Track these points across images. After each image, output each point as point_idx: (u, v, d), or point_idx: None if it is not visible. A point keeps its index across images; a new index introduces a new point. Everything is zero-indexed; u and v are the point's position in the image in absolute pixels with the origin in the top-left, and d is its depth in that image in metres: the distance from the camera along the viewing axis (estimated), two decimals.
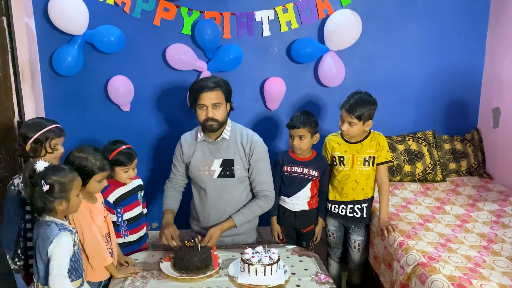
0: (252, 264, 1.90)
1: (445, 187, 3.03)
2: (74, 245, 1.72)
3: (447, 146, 3.21)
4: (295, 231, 2.57)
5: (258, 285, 1.87)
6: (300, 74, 3.13)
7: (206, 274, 1.96)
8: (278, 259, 1.94)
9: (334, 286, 1.93)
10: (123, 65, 3.01)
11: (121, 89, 2.97)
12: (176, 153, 2.41)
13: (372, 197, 2.57)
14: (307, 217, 2.53)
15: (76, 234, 1.78)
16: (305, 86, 3.16)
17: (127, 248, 2.25)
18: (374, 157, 2.46)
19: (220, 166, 2.30)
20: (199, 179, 2.35)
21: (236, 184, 2.33)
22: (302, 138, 2.41)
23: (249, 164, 2.33)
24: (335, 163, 2.54)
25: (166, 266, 2.02)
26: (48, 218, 1.72)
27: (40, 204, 1.67)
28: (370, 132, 2.50)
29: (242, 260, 1.94)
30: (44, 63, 2.96)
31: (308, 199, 2.49)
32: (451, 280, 1.83)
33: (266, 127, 3.17)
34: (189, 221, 2.50)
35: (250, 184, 2.39)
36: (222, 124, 2.26)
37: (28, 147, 2.02)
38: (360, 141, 2.49)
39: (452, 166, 3.17)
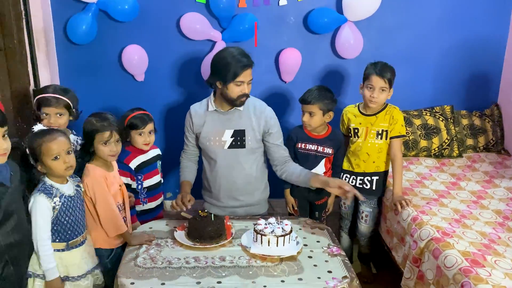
0: (265, 235, 1.91)
1: (461, 163, 2.98)
2: (53, 209, 1.74)
3: (465, 122, 3.14)
4: (308, 203, 2.58)
5: (270, 256, 1.89)
6: (317, 45, 3.06)
7: (219, 244, 1.98)
8: (291, 231, 1.95)
9: (346, 258, 1.94)
10: (137, 34, 2.97)
11: (135, 58, 2.95)
12: (186, 124, 2.40)
13: (386, 172, 2.55)
14: (321, 189, 2.51)
15: (59, 199, 1.76)
16: (321, 58, 3.09)
17: (145, 216, 2.30)
18: (387, 131, 2.44)
19: (231, 137, 2.29)
20: (209, 149, 2.34)
21: (247, 154, 2.33)
22: (312, 115, 2.37)
23: (268, 134, 2.32)
24: (350, 135, 2.54)
25: (180, 235, 2.04)
26: (43, 177, 1.77)
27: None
28: (386, 105, 2.47)
29: (255, 230, 1.95)
30: (58, 31, 2.95)
31: (322, 174, 2.48)
32: (465, 255, 1.82)
33: (279, 100, 3.14)
34: (201, 192, 2.52)
35: (266, 153, 2.39)
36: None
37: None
38: (375, 114, 2.46)
39: (469, 142, 3.11)
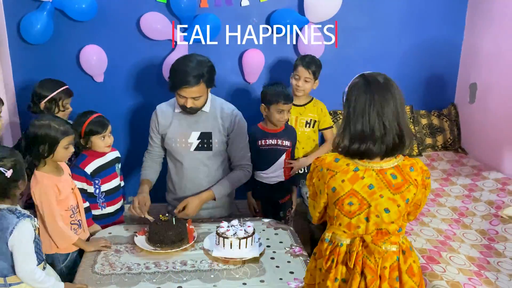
0: (227, 238, 1.89)
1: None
2: (35, 230, 1.64)
3: (424, 121, 3.23)
4: (272, 203, 2.60)
5: (232, 258, 1.87)
6: (280, 46, 3.07)
7: (181, 248, 1.95)
8: (253, 233, 1.94)
9: (308, 258, 1.94)
10: (96, 33, 2.89)
11: (94, 59, 2.87)
12: (151, 124, 2.35)
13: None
14: (284, 188, 2.58)
15: (35, 219, 1.67)
16: (284, 58, 3.10)
17: (104, 220, 2.23)
18: (315, 121, 2.69)
19: (198, 139, 2.26)
20: (175, 151, 2.31)
21: (214, 157, 2.31)
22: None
23: (228, 138, 2.30)
24: None
25: (140, 239, 1.99)
26: (1, 206, 1.61)
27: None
28: (312, 98, 2.71)
29: (217, 233, 1.93)
30: (11, 31, 2.83)
31: (283, 170, 2.53)
32: (421, 253, 1.87)
33: (244, 100, 3.12)
34: (165, 195, 2.48)
35: (228, 159, 2.37)
36: (202, 107, 2.22)
37: (42, 105, 2.34)
38: (303, 105, 2.68)
39: (429, 141, 3.21)
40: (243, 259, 1.88)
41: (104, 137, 2.15)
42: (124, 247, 1.97)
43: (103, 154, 2.19)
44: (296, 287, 1.72)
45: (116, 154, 2.31)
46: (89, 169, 2.13)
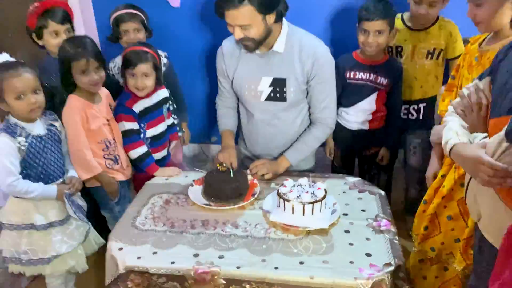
0: (288, 200, 1.50)
1: None
2: (19, 150, 1.53)
3: None
4: (354, 153, 2.21)
5: (294, 226, 1.49)
6: None
7: (236, 206, 1.62)
8: (324, 197, 1.51)
9: (396, 237, 1.46)
10: None
11: None
12: (217, 65, 1.95)
13: (434, 98, 2.11)
14: (367, 138, 2.13)
15: (24, 138, 1.55)
16: None
17: None
18: (441, 50, 2.04)
19: (270, 86, 1.83)
20: (244, 99, 1.92)
21: (289, 108, 1.87)
22: (381, 33, 1.91)
23: (308, 85, 1.82)
24: (390, 54, 2.09)
25: (194, 190, 1.72)
26: (7, 115, 1.57)
27: None
28: (438, 17, 2.01)
29: (278, 194, 1.55)
30: None
31: (370, 116, 2.04)
32: None
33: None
34: (238, 141, 2.14)
35: (308, 108, 1.92)
36: (262, 39, 1.73)
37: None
38: (425, 29, 2.01)
39: None
40: (307, 229, 1.48)
41: (133, 75, 1.82)
42: (176, 197, 1.72)
43: (148, 94, 1.90)
44: (370, 277, 1.28)
45: (164, 93, 2.00)
46: (137, 108, 1.88)
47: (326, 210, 1.54)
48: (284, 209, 1.52)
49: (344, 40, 2.23)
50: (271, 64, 1.81)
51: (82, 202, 1.76)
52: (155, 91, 1.93)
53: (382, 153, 2.17)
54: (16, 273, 1.67)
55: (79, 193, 1.75)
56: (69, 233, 1.67)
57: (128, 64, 1.81)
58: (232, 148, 1.90)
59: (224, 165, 1.74)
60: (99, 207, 1.93)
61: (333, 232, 1.48)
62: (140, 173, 1.95)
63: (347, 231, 1.49)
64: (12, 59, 1.55)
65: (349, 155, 2.22)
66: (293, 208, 1.49)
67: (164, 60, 2.18)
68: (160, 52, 2.15)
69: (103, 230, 1.85)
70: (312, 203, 1.48)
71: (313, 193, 1.52)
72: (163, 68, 2.12)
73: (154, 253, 1.41)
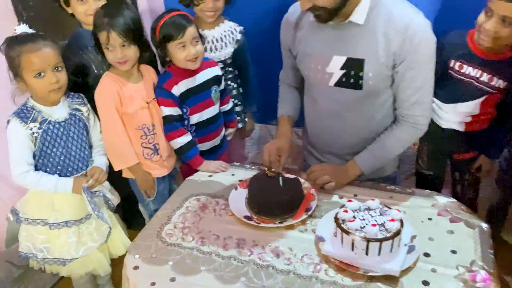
0: (347, 233, 1.13)
1: None
2: (32, 136, 1.35)
3: None
4: (446, 156, 1.75)
5: (352, 266, 1.12)
6: None
7: (283, 224, 1.29)
8: (397, 233, 1.11)
9: None
10: None
11: None
12: (281, 36, 1.57)
13: None
14: (461, 140, 1.64)
15: (38, 124, 1.37)
16: None
17: None
18: None
19: (342, 68, 1.38)
20: (308, 82, 1.52)
21: (365, 99, 1.42)
22: (507, 21, 1.35)
23: (395, 72, 1.36)
24: None
25: (236, 196, 1.41)
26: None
27: None
28: None
29: (335, 219, 1.18)
30: None
31: (469, 118, 1.56)
32: None
33: None
34: (302, 129, 1.76)
35: (394, 101, 1.46)
36: (337, 8, 1.28)
37: None
38: None
39: None
40: (369, 274, 1.10)
41: (184, 44, 1.51)
42: (215, 202, 1.43)
43: (193, 72, 1.58)
44: None
45: (214, 71, 1.66)
46: (176, 90, 1.57)
47: (401, 246, 1.14)
48: (342, 242, 1.15)
49: (458, 14, 1.66)
50: (346, 40, 1.37)
51: (111, 196, 1.56)
52: (200, 69, 1.62)
53: (481, 162, 1.66)
54: (36, 269, 1.55)
55: (108, 185, 1.55)
56: (87, 234, 1.48)
57: (170, 35, 1.51)
58: (285, 139, 1.52)
59: (273, 169, 1.39)
60: (137, 201, 1.72)
61: (406, 282, 1.09)
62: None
63: (425, 283, 1.08)
64: (31, 31, 1.34)
65: (439, 157, 1.74)
66: (353, 244, 1.12)
67: (238, 36, 1.86)
68: (235, 26, 1.88)
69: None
70: (380, 240, 1.09)
71: (383, 225, 1.12)
72: (235, 45, 1.83)
73: (172, 279, 1.15)
